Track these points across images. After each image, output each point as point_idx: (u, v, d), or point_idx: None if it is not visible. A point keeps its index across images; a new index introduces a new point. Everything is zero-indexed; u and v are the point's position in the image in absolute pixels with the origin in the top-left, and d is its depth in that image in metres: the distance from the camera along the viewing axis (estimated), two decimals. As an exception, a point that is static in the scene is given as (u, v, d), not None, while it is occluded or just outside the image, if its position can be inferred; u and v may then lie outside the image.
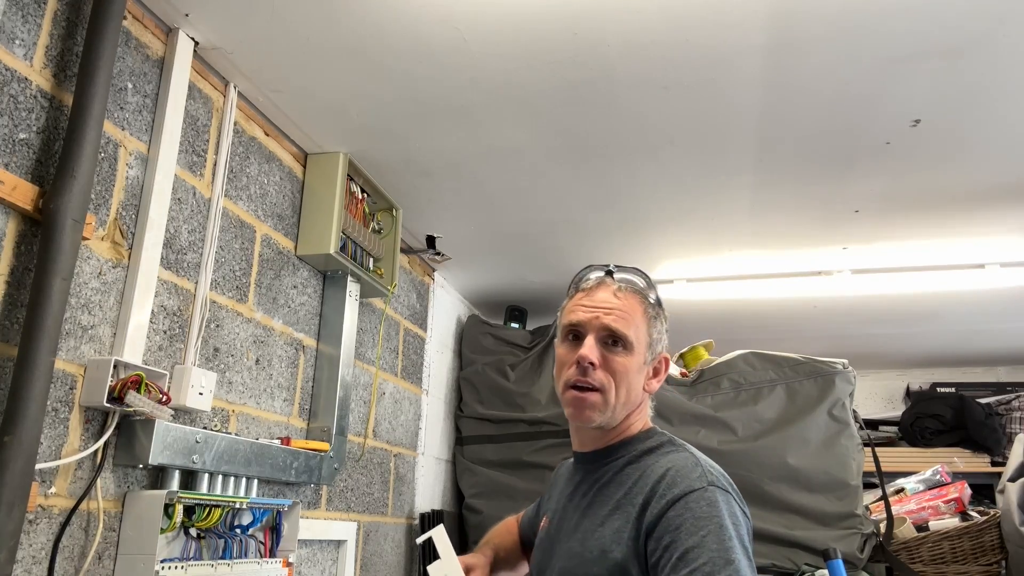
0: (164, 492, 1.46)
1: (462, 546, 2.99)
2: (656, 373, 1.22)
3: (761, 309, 3.42)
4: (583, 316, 1.18)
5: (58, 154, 1.35)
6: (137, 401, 1.38)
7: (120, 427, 1.44)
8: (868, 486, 2.69)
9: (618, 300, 1.19)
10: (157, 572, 1.40)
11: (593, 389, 1.15)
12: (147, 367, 1.47)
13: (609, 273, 1.24)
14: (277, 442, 1.83)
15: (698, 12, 1.56)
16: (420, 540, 1.37)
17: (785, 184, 2.31)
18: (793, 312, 3.47)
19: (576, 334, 1.19)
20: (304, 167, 2.17)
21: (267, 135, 2.02)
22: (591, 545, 1.11)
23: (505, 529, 1.53)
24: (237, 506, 1.64)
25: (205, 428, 1.63)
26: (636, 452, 1.17)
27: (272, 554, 1.76)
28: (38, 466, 1.24)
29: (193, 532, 1.56)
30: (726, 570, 0.97)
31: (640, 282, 1.23)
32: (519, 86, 1.83)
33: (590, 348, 1.15)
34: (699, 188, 2.35)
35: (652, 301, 1.22)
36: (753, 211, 2.49)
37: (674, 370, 2.77)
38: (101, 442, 1.40)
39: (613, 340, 1.16)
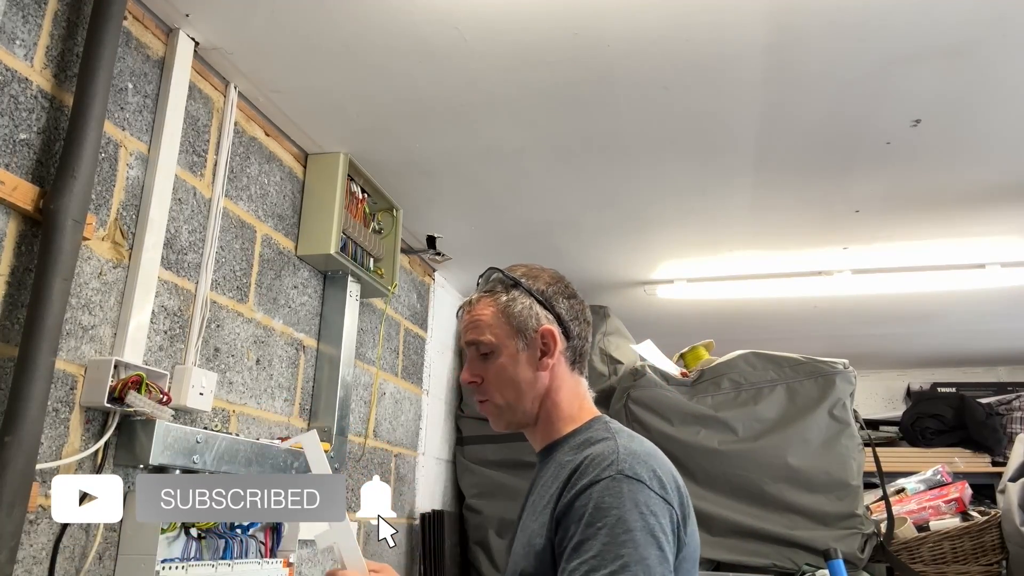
0: (164, 492, 1.46)
1: (463, 546, 2.99)
2: (546, 350, 1.17)
3: (761, 309, 3.42)
4: (461, 342, 1.23)
5: (58, 154, 1.35)
6: (137, 401, 1.38)
7: (120, 427, 1.44)
8: (869, 486, 2.69)
9: (473, 311, 1.21)
10: (157, 572, 1.40)
11: (485, 400, 1.19)
12: (147, 367, 1.47)
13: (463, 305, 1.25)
14: (277, 442, 1.83)
15: (698, 12, 1.56)
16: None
17: (785, 184, 2.31)
18: (793, 312, 3.47)
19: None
20: (304, 167, 2.17)
21: (267, 135, 2.02)
22: (527, 540, 1.11)
23: None
24: (237, 506, 1.64)
25: (205, 428, 1.63)
26: (574, 444, 1.14)
27: (272, 554, 1.76)
28: (39, 466, 1.24)
29: (193, 532, 1.55)
30: (612, 564, 0.95)
31: (483, 281, 1.24)
32: (519, 86, 1.83)
33: (465, 369, 1.21)
34: (699, 188, 2.35)
35: (500, 290, 1.21)
36: (753, 211, 2.49)
37: (674, 370, 2.76)
38: (101, 442, 1.40)
39: (479, 351, 1.19)
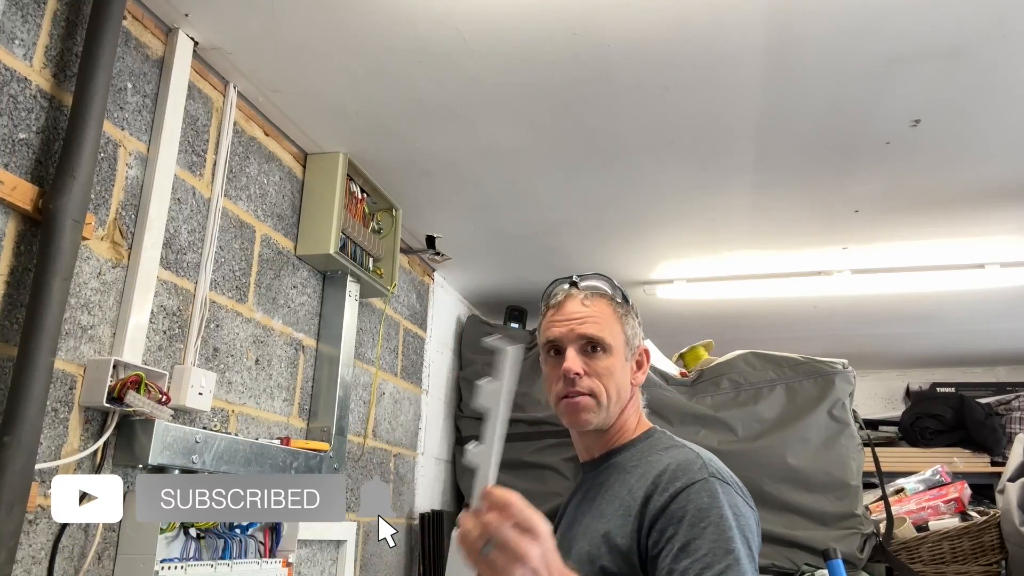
0: (164, 492, 1.46)
1: None
2: (639, 366, 1.26)
3: (761, 309, 3.42)
4: (558, 331, 1.23)
5: (58, 154, 1.35)
6: (137, 401, 1.38)
7: (120, 427, 1.44)
8: (868, 486, 2.69)
9: (587, 307, 1.23)
10: (157, 572, 1.40)
11: (583, 394, 1.19)
12: (147, 367, 1.47)
13: (574, 284, 1.28)
14: (277, 442, 1.82)
15: (698, 12, 1.56)
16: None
17: (785, 184, 2.31)
18: (793, 312, 3.47)
19: (556, 349, 1.24)
20: (304, 167, 2.17)
21: (267, 135, 2.01)
22: (596, 539, 1.13)
23: None
24: (237, 506, 1.64)
25: (205, 428, 1.63)
26: (639, 452, 1.20)
27: (272, 554, 1.76)
28: (38, 466, 1.24)
29: (193, 532, 1.56)
30: (725, 560, 0.99)
31: (604, 286, 1.27)
32: (519, 86, 1.83)
33: (572, 360, 1.19)
34: (699, 188, 2.35)
35: (619, 301, 1.27)
36: (753, 211, 2.49)
37: (674, 370, 2.76)
38: (101, 442, 1.40)
39: (592, 346, 1.21)
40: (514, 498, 0.84)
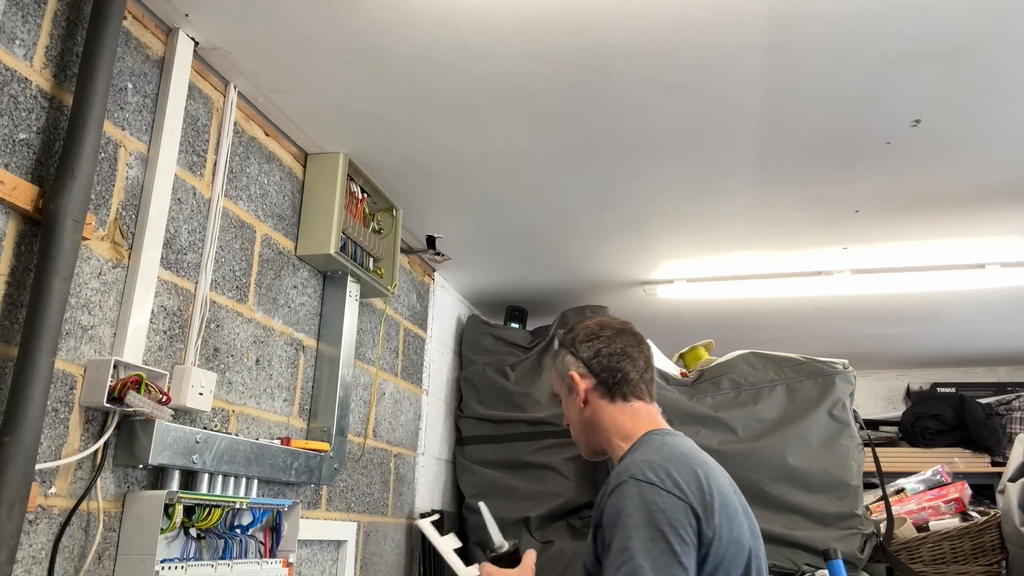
0: (164, 492, 1.46)
1: (462, 547, 2.99)
2: (574, 392, 1.37)
3: (761, 309, 3.42)
4: None
5: (58, 154, 1.35)
6: (137, 401, 1.38)
7: (120, 427, 1.44)
8: (868, 486, 2.69)
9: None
10: (157, 572, 1.40)
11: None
12: (147, 367, 1.47)
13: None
14: (277, 442, 1.83)
15: (698, 12, 1.56)
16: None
17: (785, 184, 2.31)
18: (793, 312, 3.47)
19: None
20: (304, 167, 2.17)
21: (267, 135, 2.02)
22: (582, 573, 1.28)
23: None
24: (237, 506, 1.64)
25: (205, 428, 1.63)
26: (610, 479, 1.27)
27: (272, 554, 1.76)
28: (38, 466, 1.24)
29: (193, 532, 1.56)
30: (621, 557, 1.08)
31: (558, 337, 1.44)
32: (519, 86, 1.83)
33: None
34: (699, 188, 2.35)
35: (559, 340, 1.42)
36: (753, 211, 2.49)
37: (674, 370, 2.76)
38: (101, 442, 1.40)
39: (556, 398, 1.44)
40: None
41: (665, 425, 1.34)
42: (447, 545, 1.53)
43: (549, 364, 1.35)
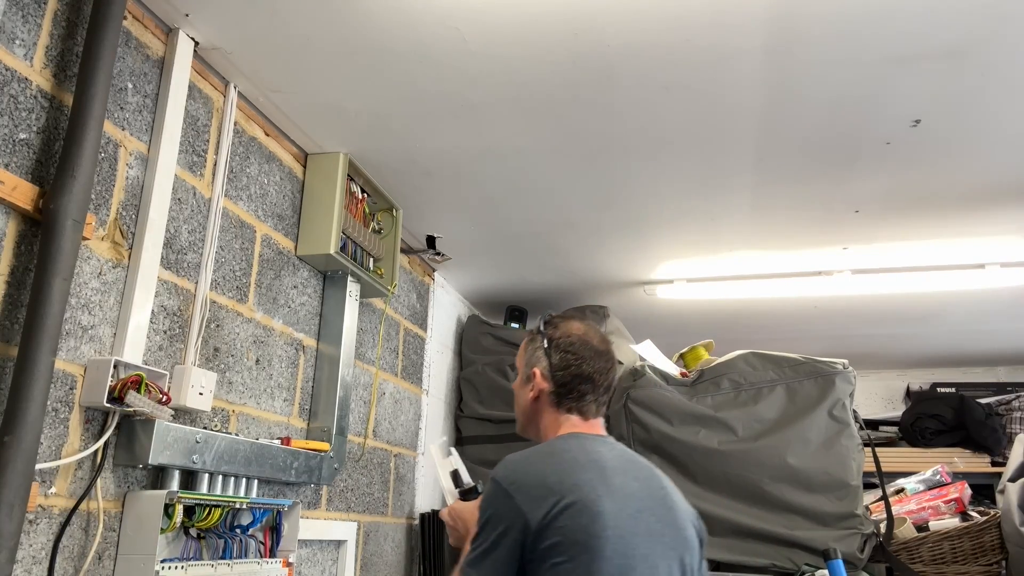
0: (164, 492, 1.46)
1: (455, 472, 3.00)
2: (532, 388, 1.45)
3: (761, 309, 3.42)
4: None
5: (58, 154, 1.35)
6: (137, 401, 1.38)
7: (120, 427, 1.44)
8: (868, 486, 2.68)
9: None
10: (157, 572, 1.40)
11: None
12: (147, 367, 1.47)
13: None
14: (277, 442, 1.83)
15: (698, 12, 1.56)
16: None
17: (785, 184, 2.31)
18: (793, 312, 3.47)
19: None
20: (304, 167, 2.17)
21: (267, 135, 2.02)
22: None
23: None
24: (237, 506, 1.64)
25: (205, 428, 1.63)
26: None
27: (272, 554, 1.76)
28: (38, 466, 1.24)
29: (193, 532, 1.56)
30: (471, 549, 1.23)
31: (533, 326, 1.55)
32: (519, 86, 1.83)
33: None
34: (699, 188, 2.35)
35: (531, 336, 1.51)
36: (753, 211, 2.49)
37: (674, 370, 2.76)
38: (101, 442, 1.40)
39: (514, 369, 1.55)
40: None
41: (590, 432, 1.39)
42: (446, 467, 1.70)
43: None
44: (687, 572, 1.29)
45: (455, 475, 1.67)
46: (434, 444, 1.79)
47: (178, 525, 1.50)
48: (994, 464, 3.48)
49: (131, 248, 1.53)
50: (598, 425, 1.43)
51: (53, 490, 1.32)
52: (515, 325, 3.37)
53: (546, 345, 1.44)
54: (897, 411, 3.98)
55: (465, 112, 1.95)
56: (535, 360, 1.45)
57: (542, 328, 1.48)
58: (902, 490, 2.94)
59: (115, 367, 1.39)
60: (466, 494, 1.63)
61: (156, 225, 1.56)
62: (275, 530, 1.78)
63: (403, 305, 2.78)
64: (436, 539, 2.78)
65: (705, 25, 1.60)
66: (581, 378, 1.40)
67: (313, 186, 2.15)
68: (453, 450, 1.77)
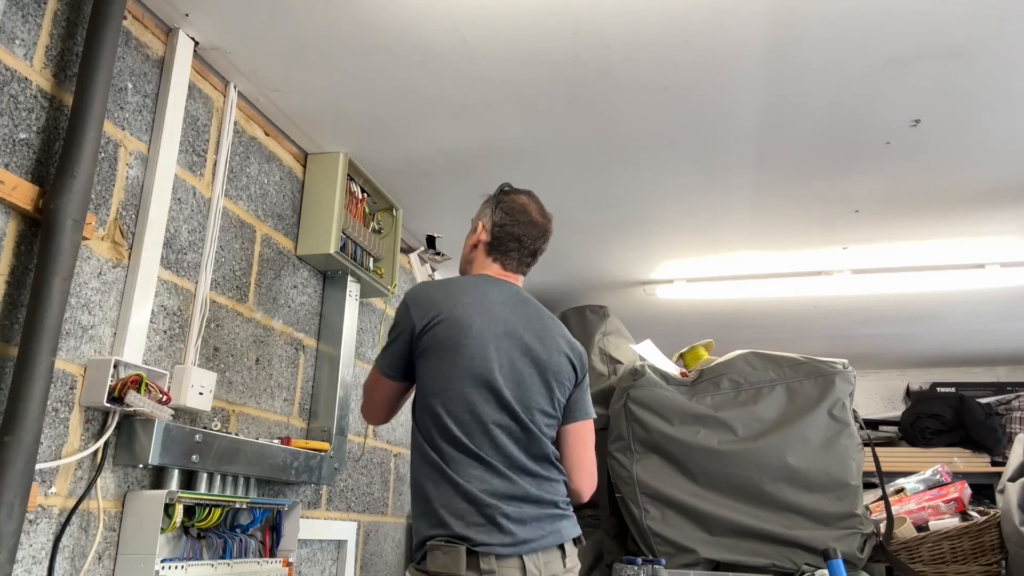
0: (164, 492, 1.46)
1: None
2: (473, 235, 1.74)
3: (761, 309, 3.42)
4: None
5: (58, 154, 1.35)
6: (137, 401, 1.38)
7: (120, 427, 1.44)
8: (868, 486, 2.68)
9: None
10: (157, 572, 1.40)
11: None
12: (147, 367, 1.47)
13: None
14: (277, 442, 1.83)
15: (698, 13, 1.56)
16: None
17: (785, 184, 2.31)
18: (793, 312, 3.47)
19: None
20: (304, 167, 2.17)
21: (267, 135, 2.02)
22: None
23: None
24: (237, 506, 1.64)
25: (205, 428, 1.63)
26: None
27: (272, 554, 1.76)
28: (38, 466, 1.24)
29: (193, 532, 1.56)
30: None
31: (500, 186, 1.80)
32: (519, 86, 1.83)
33: None
34: (699, 188, 2.35)
35: (490, 196, 1.76)
36: (753, 211, 2.49)
37: (674, 370, 2.76)
38: (101, 442, 1.40)
39: None
40: None
41: (500, 278, 1.68)
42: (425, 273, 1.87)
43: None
44: (554, 391, 1.57)
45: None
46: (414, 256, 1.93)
47: (178, 525, 1.50)
48: (994, 464, 3.48)
49: (131, 248, 1.53)
50: (514, 278, 1.71)
51: (53, 490, 1.32)
52: (515, 325, 3.36)
53: (493, 204, 1.73)
54: (897, 411, 3.98)
55: (465, 112, 1.95)
56: (483, 215, 1.73)
57: (496, 192, 1.76)
58: (902, 490, 2.94)
59: (115, 367, 1.39)
60: None
61: (156, 225, 1.56)
62: (275, 530, 1.78)
63: (403, 305, 2.78)
64: (436, 539, 2.78)
65: (705, 25, 1.60)
66: (512, 236, 1.68)
67: (313, 186, 2.15)
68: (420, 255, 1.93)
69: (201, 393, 1.60)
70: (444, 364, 1.51)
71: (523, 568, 1.40)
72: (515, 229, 1.68)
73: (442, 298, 1.57)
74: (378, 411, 1.67)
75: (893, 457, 3.53)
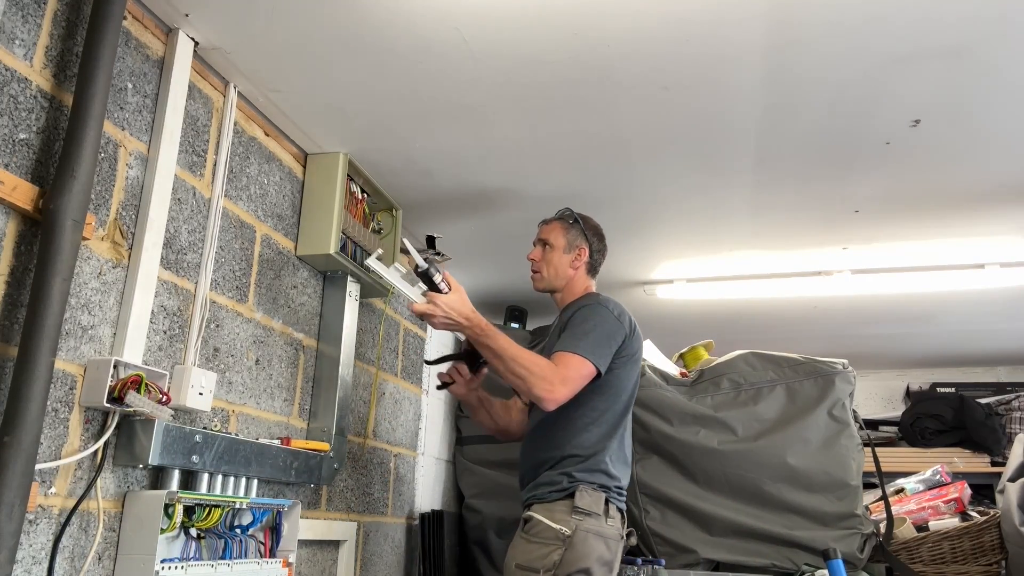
0: (164, 492, 1.46)
1: (462, 546, 2.99)
2: (578, 257, 2.04)
3: (761, 309, 3.42)
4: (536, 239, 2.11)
5: (58, 154, 1.35)
6: (137, 401, 1.38)
7: (120, 427, 1.44)
8: (868, 486, 2.69)
9: (545, 226, 2.09)
10: (157, 572, 1.40)
11: (535, 272, 2.07)
12: (147, 367, 1.47)
13: (544, 221, 2.13)
14: (277, 442, 1.83)
15: (698, 12, 1.56)
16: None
17: (785, 184, 2.31)
18: (793, 312, 3.47)
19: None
20: (304, 167, 2.17)
21: (267, 135, 2.02)
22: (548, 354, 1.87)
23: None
24: (237, 506, 1.64)
25: (205, 428, 1.63)
26: (572, 306, 1.97)
27: (272, 554, 1.76)
28: (38, 466, 1.24)
29: (193, 532, 1.56)
30: (579, 330, 1.84)
31: (558, 215, 2.09)
32: (519, 86, 1.83)
33: (532, 252, 2.08)
34: (699, 188, 2.35)
35: (569, 222, 2.05)
36: (753, 211, 2.49)
37: (674, 370, 2.76)
38: (101, 442, 1.40)
39: (543, 244, 2.06)
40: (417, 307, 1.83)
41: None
42: (394, 274, 1.88)
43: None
44: None
45: (414, 273, 1.81)
46: (370, 261, 1.85)
47: (178, 525, 1.50)
48: (994, 464, 3.48)
49: (131, 248, 1.53)
50: None
51: (53, 490, 1.32)
52: (515, 325, 3.37)
53: (586, 233, 2.05)
54: (897, 411, 3.98)
55: (465, 112, 1.95)
56: (579, 240, 2.04)
57: (575, 217, 2.06)
58: (902, 490, 2.94)
59: (115, 367, 1.39)
60: (428, 281, 1.82)
61: (156, 225, 1.56)
62: (275, 530, 1.78)
63: (403, 305, 2.78)
64: (436, 539, 2.78)
65: (705, 25, 1.60)
66: (601, 254, 2.09)
67: (313, 186, 2.15)
68: (380, 251, 1.93)
69: (201, 393, 1.60)
70: (627, 369, 1.91)
71: None
72: (604, 253, 2.11)
73: (631, 320, 1.95)
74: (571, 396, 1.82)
75: (893, 457, 3.53)
